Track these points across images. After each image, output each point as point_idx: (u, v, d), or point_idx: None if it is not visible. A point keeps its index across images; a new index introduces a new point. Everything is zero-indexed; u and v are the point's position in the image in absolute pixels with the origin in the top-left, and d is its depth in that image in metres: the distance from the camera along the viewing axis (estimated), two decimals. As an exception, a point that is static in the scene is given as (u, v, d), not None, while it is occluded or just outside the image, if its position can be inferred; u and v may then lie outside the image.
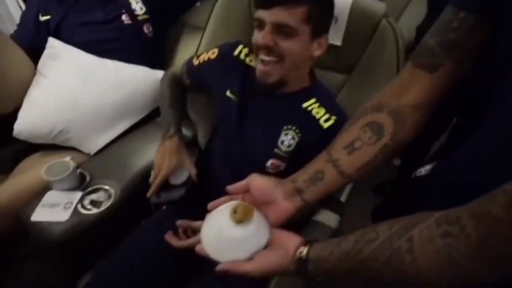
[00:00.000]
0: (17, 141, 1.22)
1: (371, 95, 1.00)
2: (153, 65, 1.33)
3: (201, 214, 0.70)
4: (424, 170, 0.64)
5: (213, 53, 0.99)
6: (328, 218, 0.96)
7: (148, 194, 0.95)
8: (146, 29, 1.34)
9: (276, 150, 0.91)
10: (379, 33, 0.96)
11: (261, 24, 0.81)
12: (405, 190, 0.75)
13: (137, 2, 1.33)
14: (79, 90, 1.19)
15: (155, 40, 1.38)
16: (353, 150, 0.63)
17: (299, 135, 0.89)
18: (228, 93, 0.96)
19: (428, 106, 0.61)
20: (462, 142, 0.56)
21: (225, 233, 0.61)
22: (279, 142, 0.90)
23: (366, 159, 0.63)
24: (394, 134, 0.61)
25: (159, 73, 1.32)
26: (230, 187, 0.69)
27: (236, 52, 0.97)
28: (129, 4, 1.32)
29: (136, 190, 1.09)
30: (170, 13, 1.40)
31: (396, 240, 0.46)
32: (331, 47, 1.03)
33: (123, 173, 1.10)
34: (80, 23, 1.30)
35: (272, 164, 0.91)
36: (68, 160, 1.06)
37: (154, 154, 0.98)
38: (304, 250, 0.56)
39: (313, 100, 0.90)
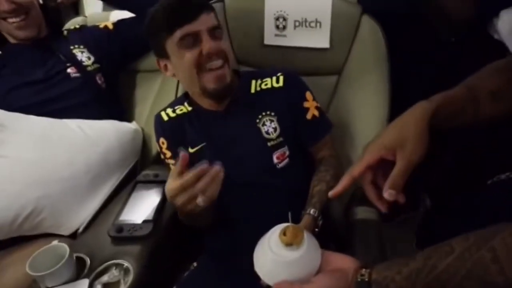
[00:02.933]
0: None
1: (365, 89, 1.05)
2: (114, 117, 1.17)
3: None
4: (504, 175, 0.68)
5: (162, 143, 0.94)
6: (367, 213, 0.95)
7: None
8: (99, 79, 1.19)
9: (269, 143, 0.88)
10: (362, 28, 1.02)
11: (192, 39, 0.80)
12: (478, 196, 0.76)
13: (82, 52, 1.18)
14: (42, 160, 0.96)
15: (109, 90, 1.23)
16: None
17: (272, 114, 0.89)
18: (190, 149, 0.90)
19: None
20: None
21: (275, 255, 0.59)
22: (265, 135, 0.88)
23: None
24: None
25: (129, 125, 1.17)
26: (354, 176, 0.60)
27: (165, 119, 0.93)
28: (73, 56, 1.16)
29: (155, 255, 0.90)
30: (122, 60, 1.27)
31: (476, 250, 0.45)
32: (320, 51, 1.06)
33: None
34: (14, 86, 1.09)
35: (277, 157, 0.89)
36: (58, 244, 0.82)
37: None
38: (365, 272, 0.54)
39: (253, 81, 0.93)
